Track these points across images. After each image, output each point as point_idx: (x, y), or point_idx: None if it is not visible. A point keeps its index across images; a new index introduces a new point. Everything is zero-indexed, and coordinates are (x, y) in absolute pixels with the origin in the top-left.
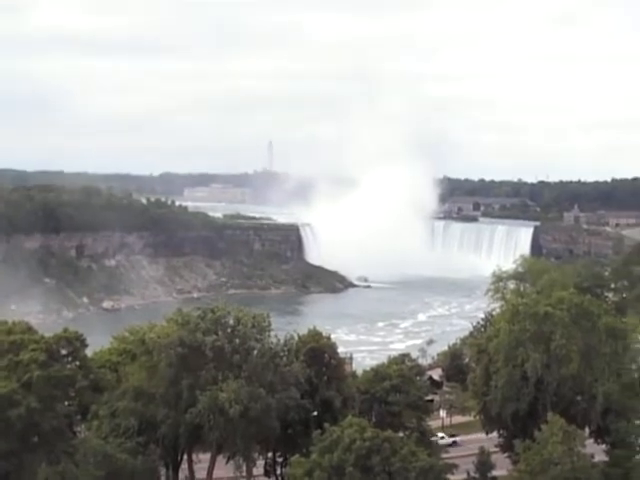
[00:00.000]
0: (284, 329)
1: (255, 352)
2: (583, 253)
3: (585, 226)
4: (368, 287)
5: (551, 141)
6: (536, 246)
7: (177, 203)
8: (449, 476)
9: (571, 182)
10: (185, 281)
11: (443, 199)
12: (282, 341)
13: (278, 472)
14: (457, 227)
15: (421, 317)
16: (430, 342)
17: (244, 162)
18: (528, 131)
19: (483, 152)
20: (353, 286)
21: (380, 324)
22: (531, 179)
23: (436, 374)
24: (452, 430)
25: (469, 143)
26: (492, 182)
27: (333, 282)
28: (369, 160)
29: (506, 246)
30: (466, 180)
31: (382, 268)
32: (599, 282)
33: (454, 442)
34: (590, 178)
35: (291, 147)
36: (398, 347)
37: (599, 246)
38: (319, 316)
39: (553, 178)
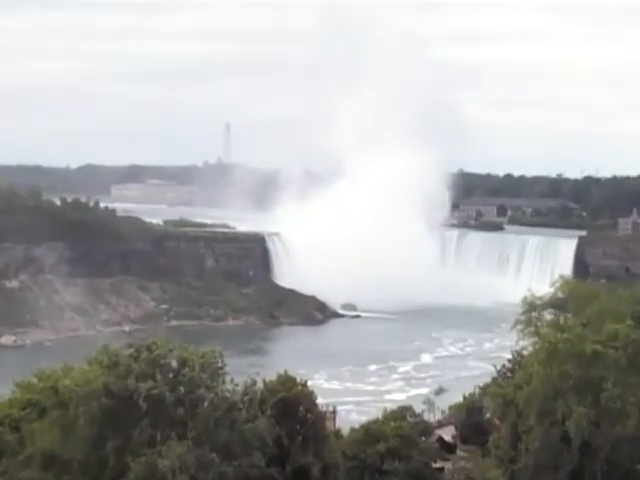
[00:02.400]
0: (245, 373)
1: (206, 404)
2: None
3: None
4: (357, 317)
5: (602, 124)
6: (581, 263)
7: (102, 205)
8: None
9: (628, 178)
10: (112, 309)
11: (457, 201)
12: (242, 389)
13: None
14: (476, 238)
15: (427, 358)
16: (439, 391)
17: (192, 151)
18: (572, 111)
19: (511, 138)
20: (337, 316)
21: (372, 367)
22: (575, 174)
23: (447, 434)
24: None
25: (492, 126)
26: (522, 178)
27: (310, 311)
28: (357, 148)
29: (540, 264)
30: (488, 175)
31: (375, 292)
32: None
33: None
34: None
35: (255, 131)
36: (397, 398)
37: None
38: (292, 356)
39: (604, 173)
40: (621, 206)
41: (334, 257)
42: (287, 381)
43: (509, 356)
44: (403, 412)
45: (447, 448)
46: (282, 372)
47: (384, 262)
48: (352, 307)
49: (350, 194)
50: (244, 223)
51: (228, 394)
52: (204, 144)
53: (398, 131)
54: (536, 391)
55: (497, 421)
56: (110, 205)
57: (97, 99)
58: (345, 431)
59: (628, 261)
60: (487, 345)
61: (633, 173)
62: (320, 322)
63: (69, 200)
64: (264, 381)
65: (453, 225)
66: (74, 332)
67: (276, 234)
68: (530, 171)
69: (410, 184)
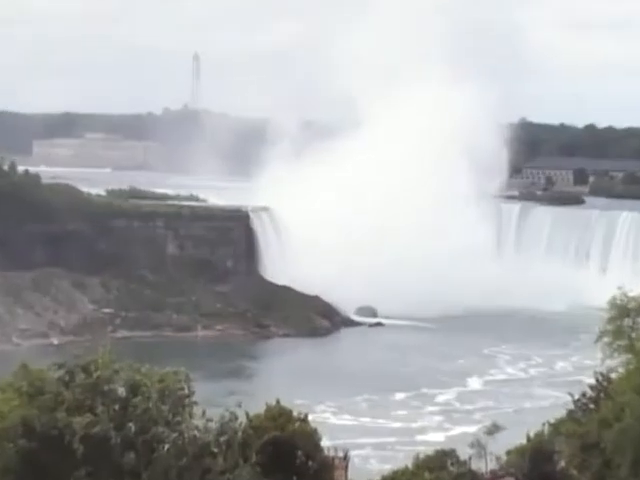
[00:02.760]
0: (222, 403)
1: (166, 447)
2: None
3: None
4: (377, 326)
5: None
6: None
7: (21, 168)
8: None
9: None
10: (35, 315)
11: (519, 163)
12: (218, 426)
13: None
14: (545, 215)
15: (475, 383)
16: (493, 430)
17: (147, 94)
18: None
19: (593, 74)
20: (350, 324)
21: (399, 396)
22: None
23: None
24: None
25: (567, 57)
26: (611, 130)
27: (312, 317)
28: (375, 88)
29: (636, 251)
30: (562, 127)
31: (403, 292)
32: None
33: None
34: None
35: (234, 66)
36: (433, 439)
37: None
38: (286, 380)
39: None
40: None
41: (345, 242)
42: (280, 415)
43: (591, 380)
44: (442, 459)
45: None
46: (273, 403)
47: (414, 250)
48: (371, 312)
49: (366, 154)
50: (219, 194)
51: (197, 433)
52: (164, 84)
53: (431, 64)
54: (630, 430)
55: (574, 471)
56: (32, 169)
57: (15, 24)
58: None
59: None
60: (560, 365)
61: None
62: (326, 332)
63: None
64: (248, 415)
65: (512, 197)
66: None
67: (264, 210)
68: (621, 121)
69: (450, 138)
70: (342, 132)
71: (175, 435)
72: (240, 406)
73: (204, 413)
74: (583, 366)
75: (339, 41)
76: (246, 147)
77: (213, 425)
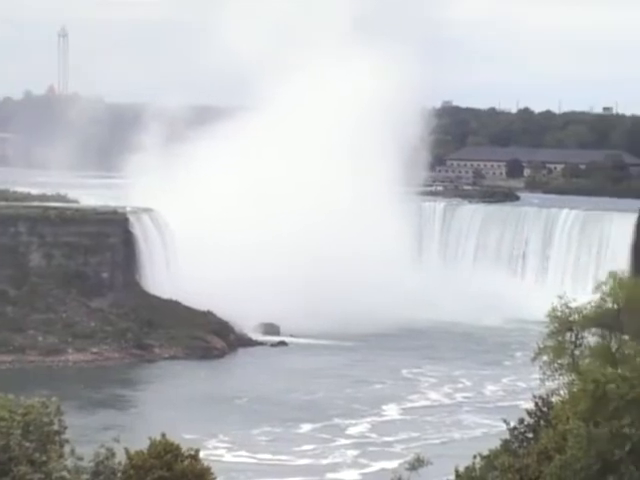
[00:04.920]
0: (97, 439)
1: None
2: None
3: None
4: (281, 345)
5: None
6: None
7: None
8: None
9: None
10: None
11: (443, 152)
12: (92, 466)
13: None
14: (473, 214)
15: (394, 411)
16: (417, 465)
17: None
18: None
19: (530, 48)
20: (249, 344)
21: (306, 427)
22: (634, 108)
23: None
24: None
25: (499, 30)
26: (549, 116)
27: (204, 336)
28: (269, 63)
29: (579, 254)
30: (493, 112)
31: (311, 306)
32: None
33: None
34: None
35: (108, 43)
36: (347, 477)
37: None
38: (173, 410)
39: None
40: None
41: (243, 248)
42: (166, 452)
43: (529, 405)
44: None
45: None
46: (157, 437)
47: (323, 257)
48: (274, 330)
49: (263, 140)
50: (92, 193)
51: (67, 474)
52: (24, 64)
53: (337, 34)
54: (574, 463)
55: None
56: None
57: None
58: None
59: None
60: (491, 388)
61: None
62: (220, 354)
63: None
64: (128, 452)
65: (435, 194)
66: None
67: (146, 211)
68: (562, 104)
69: (359, 122)
70: (233, 116)
71: (41, 477)
72: (118, 441)
73: (72, 451)
74: (518, 389)
75: (230, 12)
76: (123, 137)
77: (86, 464)
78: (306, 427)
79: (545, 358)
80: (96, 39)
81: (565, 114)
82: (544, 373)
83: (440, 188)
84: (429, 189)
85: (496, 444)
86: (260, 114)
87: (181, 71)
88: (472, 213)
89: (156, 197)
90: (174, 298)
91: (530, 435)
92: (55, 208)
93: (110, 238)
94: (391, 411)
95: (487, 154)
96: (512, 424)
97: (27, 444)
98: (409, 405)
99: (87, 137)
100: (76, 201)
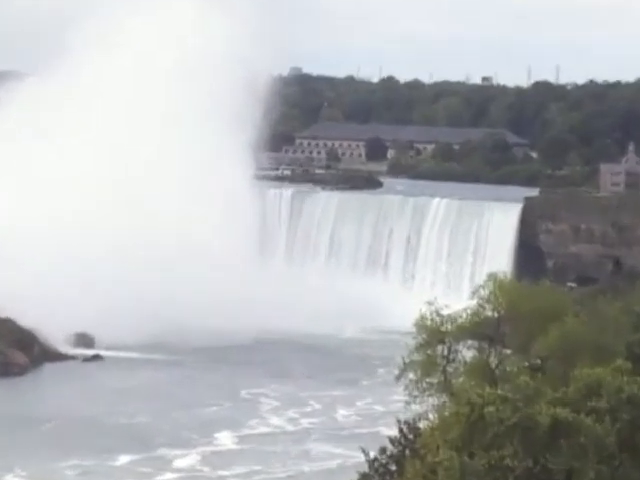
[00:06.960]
0: None
1: None
2: None
3: None
4: (96, 360)
5: None
6: (529, 251)
7: None
8: None
9: (618, 85)
10: None
11: (290, 129)
12: None
13: None
14: (326, 203)
15: (228, 439)
16: None
17: None
18: None
19: (397, 12)
20: (57, 358)
21: (123, 459)
22: (515, 78)
23: None
24: None
25: None
26: (416, 85)
27: (2, 349)
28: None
29: (452, 253)
30: (351, 80)
31: (133, 314)
32: None
33: None
34: None
35: None
36: None
37: None
38: None
39: (574, 77)
40: (603, 140)
41: (50, 246)
42: None
43: (392, 432)
44: None
45: None
46: None
47: (147, 256)
48: (87, 341)
49: (59, 115)
50: None
51: None
52: None
53: None
54: None
55: None
56: None
57: None
58: None
59: (617, 247)
60: (343, 413)
61: (626, 77)
62: (21, 371)
63: None
64: None
65: (282, 177)
66: None
67: None
68: (433, 73)
69: (175, 90)
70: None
71: None
72: None
73: None
74: (378, 414)
75: None
76: None
77: None
78: (124, 459)
79: (412, 376)
80: None
81: (436, 84)
82: (410, 394)
83: (287, 172)
84: (274, 173)
85: (353, 478)
86: (51, 85)
87: None
88: (325, 202)
89: None
90: None
91: (393, 467)
92: None
93: None
94: (226, 439)
95: (344, 132)
96: (372, 454)
97: None
98: (247, 432)
99: None
100: None
